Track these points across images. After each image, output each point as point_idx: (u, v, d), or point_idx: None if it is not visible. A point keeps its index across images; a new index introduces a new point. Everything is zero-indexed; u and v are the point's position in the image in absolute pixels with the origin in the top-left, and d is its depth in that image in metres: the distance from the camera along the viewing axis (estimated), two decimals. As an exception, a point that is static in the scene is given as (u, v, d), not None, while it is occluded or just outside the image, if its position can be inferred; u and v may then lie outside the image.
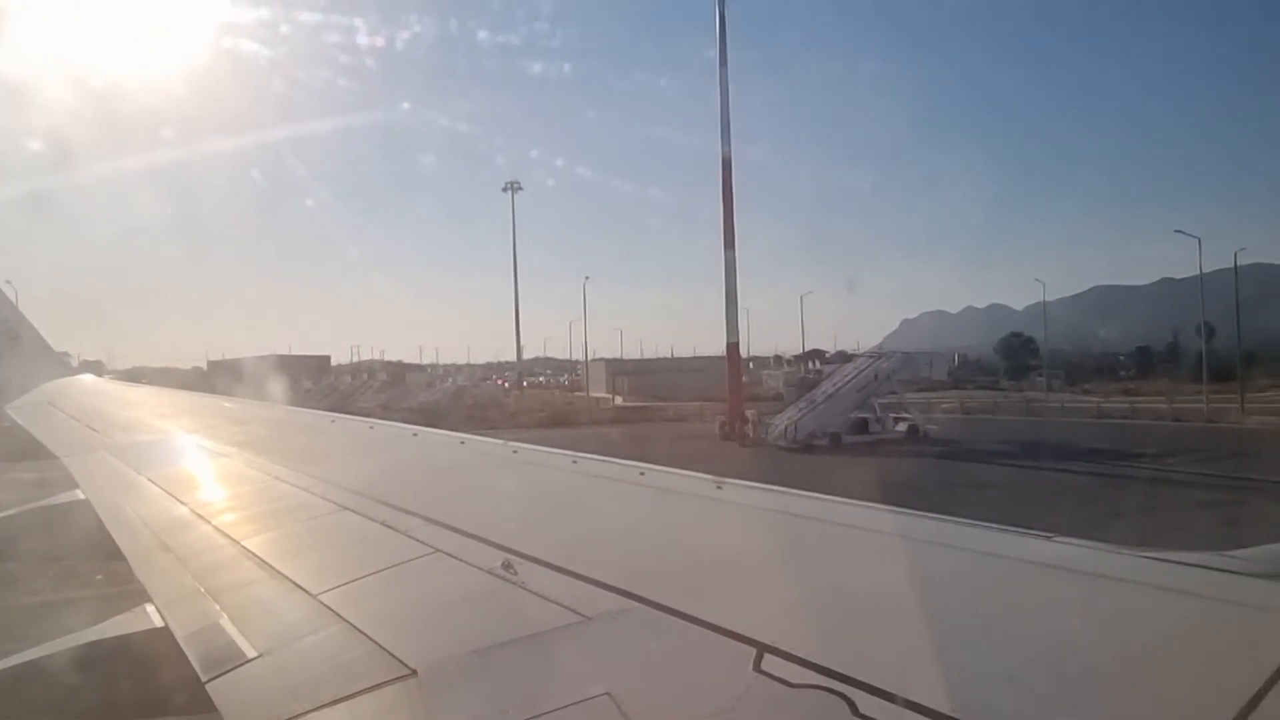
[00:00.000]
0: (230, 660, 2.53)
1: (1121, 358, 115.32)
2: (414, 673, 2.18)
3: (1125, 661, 1.94)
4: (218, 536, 4.00)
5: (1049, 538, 2.81)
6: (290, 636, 2.71)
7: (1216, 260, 64.59)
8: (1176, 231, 59.06)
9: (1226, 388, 57.22)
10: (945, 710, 1.67)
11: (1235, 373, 57.96)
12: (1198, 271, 57.84)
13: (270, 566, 3.37)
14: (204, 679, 2.45)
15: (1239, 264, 56.22)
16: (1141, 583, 2.38)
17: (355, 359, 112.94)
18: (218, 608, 3.02)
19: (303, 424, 9.93)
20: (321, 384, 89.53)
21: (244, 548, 3.71)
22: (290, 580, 3.15)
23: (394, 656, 2.29)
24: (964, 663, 1.97)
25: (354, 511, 4.11)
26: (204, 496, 5.25)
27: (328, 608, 2.78)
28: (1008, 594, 2.52)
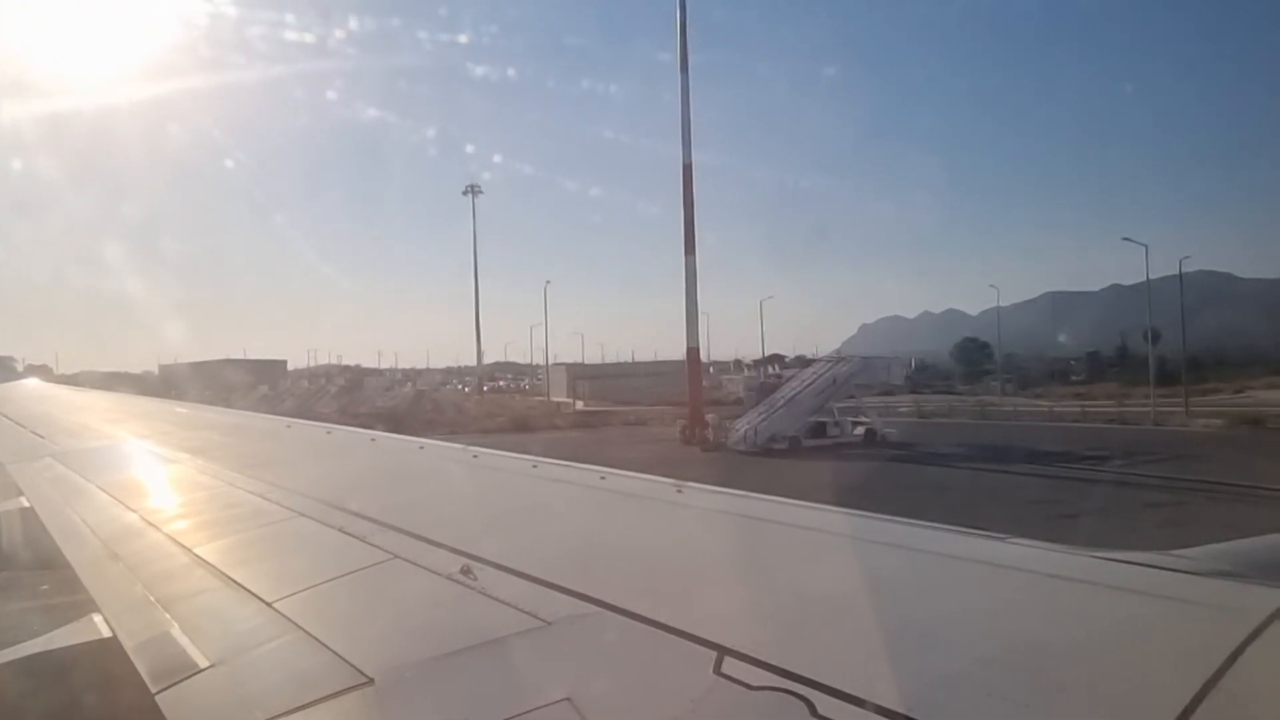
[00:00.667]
0: (181, 670, 2.48)
1: (1073, 362, 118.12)
2: (371, 681, 2.16)
3: (1078, 659, 1.99)
4: (169, 544, 3.91)
5: (1003, 539, 2.87)
6: (244, 646, 2.65)
7: (1163, 267, 66.39)
8: (1125, 239, 60.47)
9: (1174, 391, 58.83)
10: (902, 710, 1.69)
11: (1181, 376, 59.60)
12: (1145, 278, 59.45)
13: (223, 574, 3.30)
14: (154, 690, 2.40)
15: (1184, 270, 57.92)
16: (1093, 582, 2.43)
17: (312, 363, 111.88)
18: (168, 617, 2.95)
19: (258, 429, 9.77)
20: (278, 388, 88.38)
21: (196, 555, 3.63)
22: (244, 588, 3.09)
23: (350, 664, 2.26)
24: (921, 663, 2.00)
25: (310, 518, 4.05)
26: (154, 503, 5.13)
27: (283, 616, 2.74)
28: (963, 595, 2.56)
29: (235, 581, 3.19)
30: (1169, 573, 2.39)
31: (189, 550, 3.73)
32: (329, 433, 8.40)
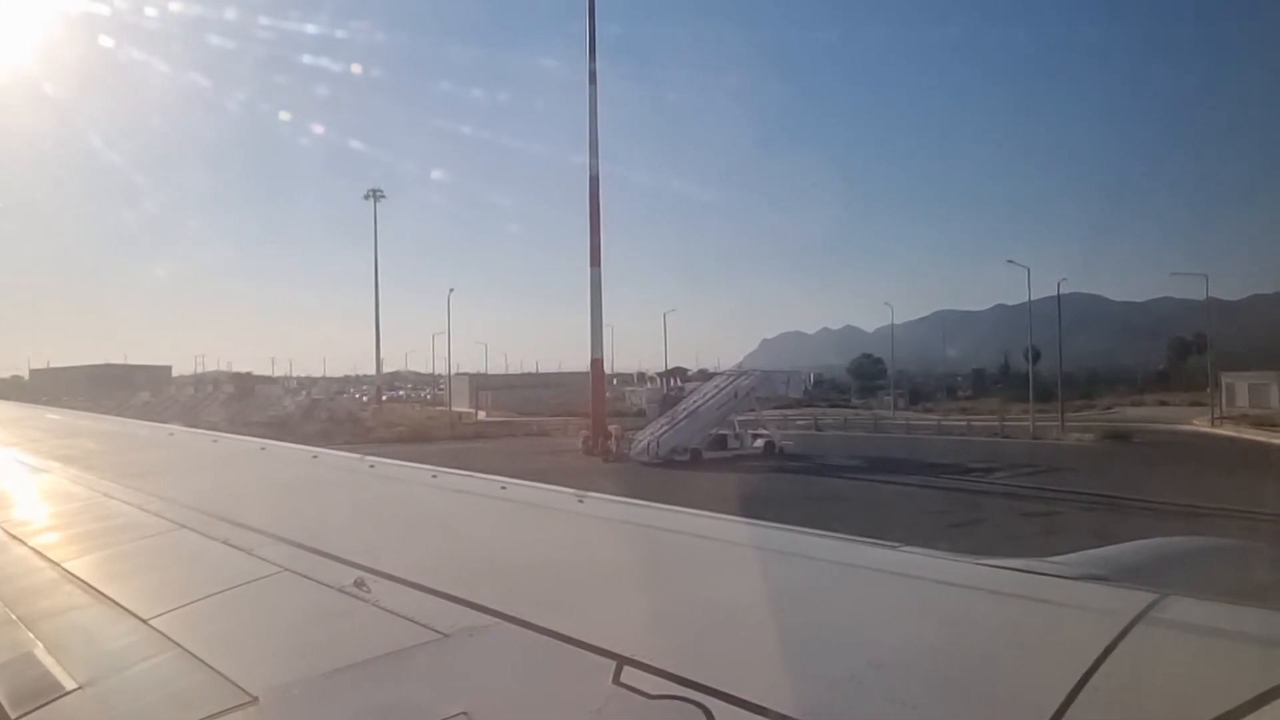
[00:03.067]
0: (45, 694, 2.32)
1: (959, 378, 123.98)
2: (255, 699, 2.07)
3: (964, 661, 2.07)
4: (34, 559, 3.67)
5: (895, 547, 2.97)
6: (116, 666, 2.51)
7: (1043, 289, 70.19)
8: (1009, 261, 63.80)
9: (1051, 406, 62.31)
10: (797, 716, 1.72)
11: (1058, 393, 63.16)
12: (1027, 298, 62.76)
13: (95, 590, 3.12)
14: (13, 716, 2.24)
15: (1061, 292, 61.43)
16: (977, 588, 2.54)
17: (200, 370, 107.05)
18: (31, 636, 2.76)
19: (138, 437, 9.32)
20: (161, 395, 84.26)
21: (65, 570, 3.42)
22: (118, 605, 2.92)
23: (232, 683, 2.16)
24: (815, 668, 2.05)
25: (193, 530, 3.87)
26: (18, 515, 4.81)
27: (160, 633, 2.60)
28: (857, 601, 2.64)
29: (108, 598, 3.01)
30: (1045, 578, 2.52)
31: (57, 565, 3.51)
32: (215, 441, 8.07)
